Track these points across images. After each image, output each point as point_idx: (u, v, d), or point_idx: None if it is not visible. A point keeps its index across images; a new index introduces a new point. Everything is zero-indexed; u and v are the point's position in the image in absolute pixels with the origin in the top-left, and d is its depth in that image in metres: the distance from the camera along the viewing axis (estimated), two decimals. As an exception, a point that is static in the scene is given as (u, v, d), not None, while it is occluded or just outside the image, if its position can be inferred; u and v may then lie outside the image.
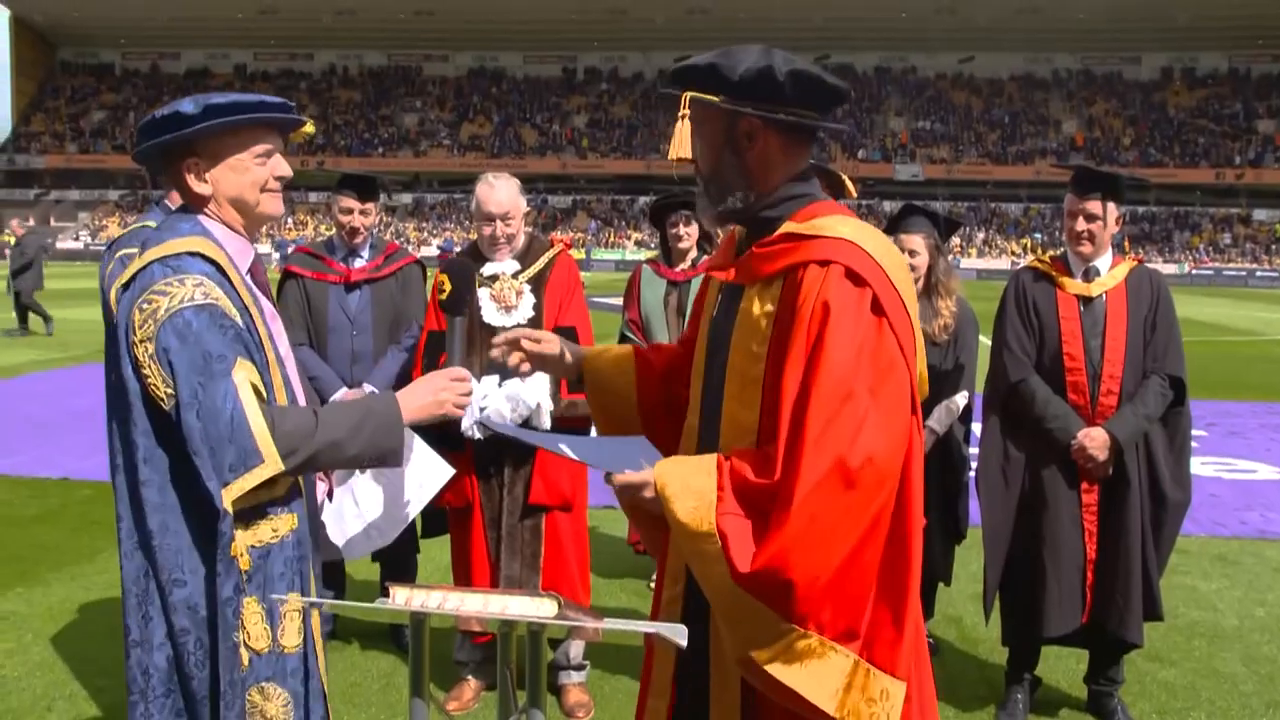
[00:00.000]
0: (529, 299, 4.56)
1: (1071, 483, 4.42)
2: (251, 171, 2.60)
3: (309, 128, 2.82)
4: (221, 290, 2.46)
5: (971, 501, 5.25)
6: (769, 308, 2.21)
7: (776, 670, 1.98)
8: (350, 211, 5.18)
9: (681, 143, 2.28)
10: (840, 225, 2.21)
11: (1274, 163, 74.28)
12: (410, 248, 67.20)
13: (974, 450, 5.44)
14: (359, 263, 5.22)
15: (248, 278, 2.61)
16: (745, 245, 2.34)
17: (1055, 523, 4.41)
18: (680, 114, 2.27)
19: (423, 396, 2.65)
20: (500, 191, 4.51)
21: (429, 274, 4.71)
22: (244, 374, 2.38)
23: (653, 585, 6.26)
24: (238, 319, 2.45)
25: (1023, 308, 4.55)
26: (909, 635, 2.12)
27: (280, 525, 2.48)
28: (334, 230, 5.33)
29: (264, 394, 2.45)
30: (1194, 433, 4.99)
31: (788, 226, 2.25)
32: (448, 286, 2.60)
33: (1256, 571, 6.82)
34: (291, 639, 2.50)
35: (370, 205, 5.21)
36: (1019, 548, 4.47)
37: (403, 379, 4.99)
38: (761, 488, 2.03)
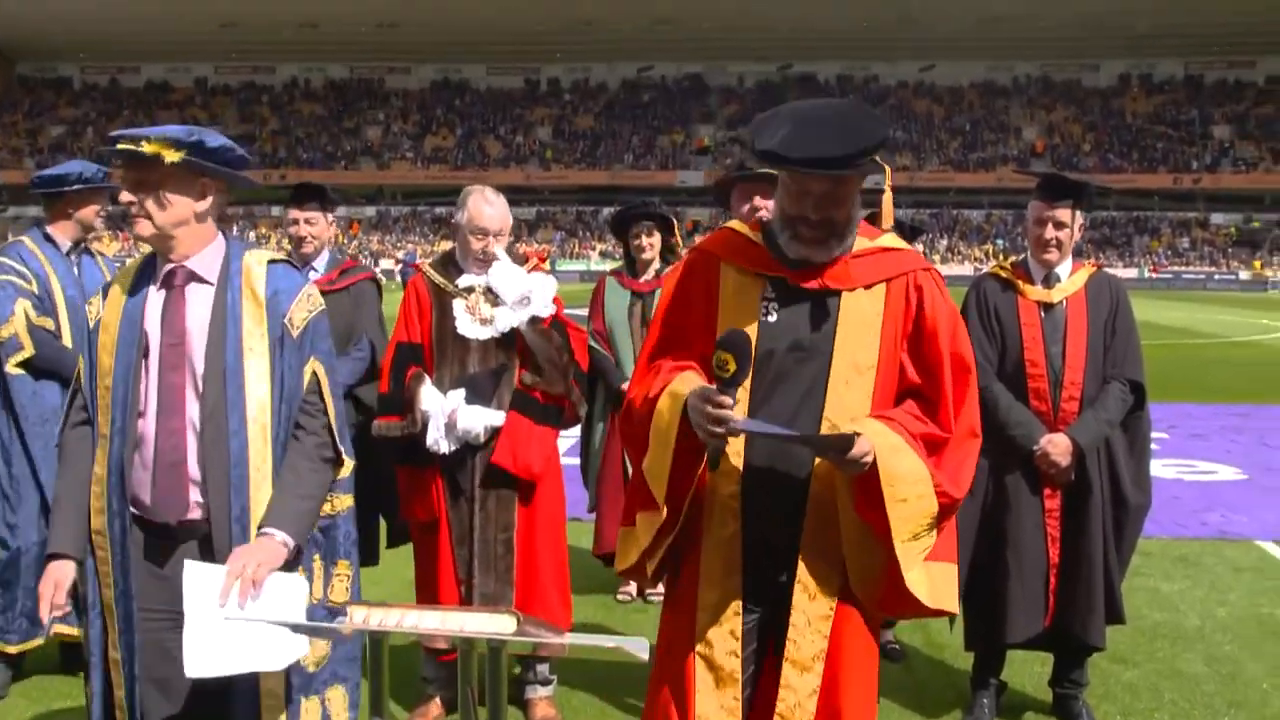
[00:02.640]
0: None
1: (1034, 489, 4.44)
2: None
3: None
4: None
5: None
6: (878, 307, 2.75)
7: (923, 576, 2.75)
8: (295, 222, 5.13)
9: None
10: (894, 239, 2.87)
11: (1230, 167, 75.31)
12: (371, 261, 67.19)
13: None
14: (312, 275, 5.14)
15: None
16: (801, 260, 2.74)
17: (1018, 528, 4.43)
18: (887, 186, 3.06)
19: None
20: (497, 208, 4.50)
21: (407, 286, 4.67)
22: None
23: (620, 597, 6.26)
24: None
25: (984, 315, 4.56)
26: None
27: None
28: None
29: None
30: (1156, 435, 5.05)
31: (866, 243, 2.80)
32: (731, 366, 2.54)
33: (1218, 572, 6.88)
34: None
35: (317, 215, 5.15)
36: (983, 554, 4.48)
37: (351, 389, 4.94)
38: (937, 438, 2.74)
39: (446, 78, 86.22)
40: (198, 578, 2.73)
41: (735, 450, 2.74)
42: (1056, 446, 4.36)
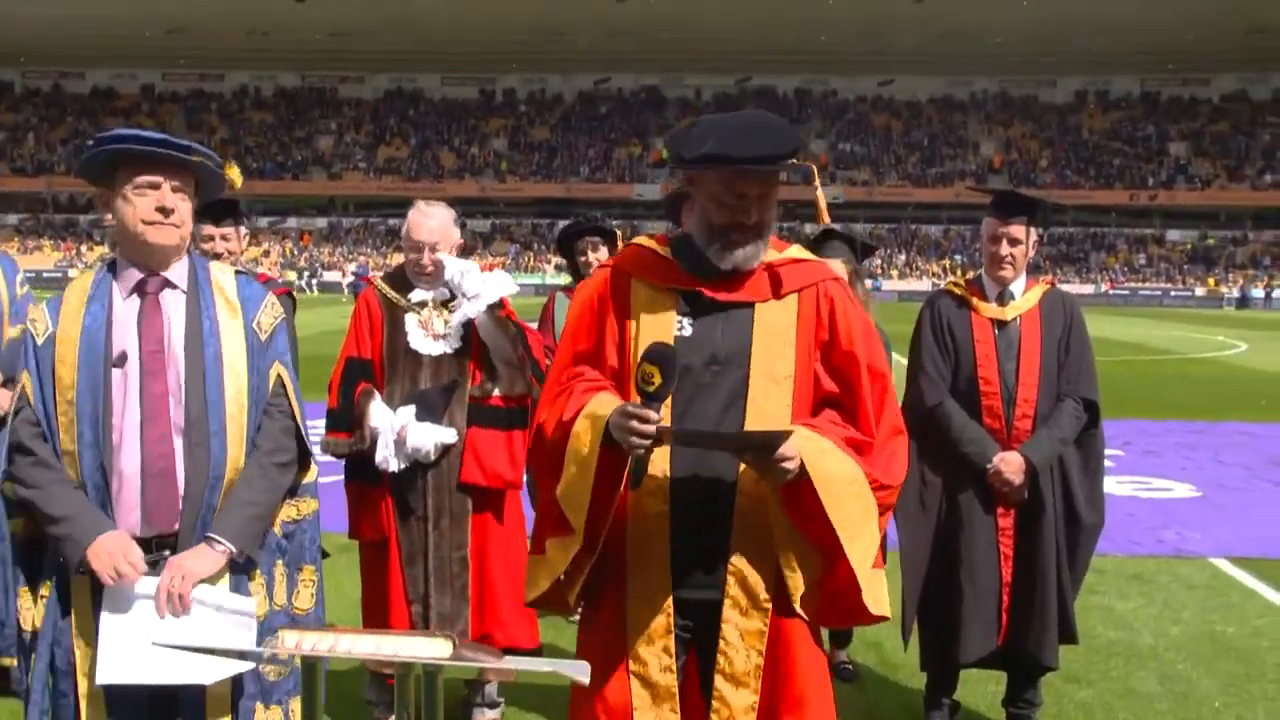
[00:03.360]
0: (458, 327, 4.51)
1: (988, 507, 4.48)
2: (133, 203, 2.91)
3: (234, 174, 3.15)
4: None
5: (890, 525, 5.31)
6: (791, 317, 2.83)
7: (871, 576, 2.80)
8: (211, 239, 5.02)
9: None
10: (801, 250, 2.97)
11: (1185, 184, 76.52)
12: (326, 274, 66.75)
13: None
14: None
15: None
16: (714, 273, 2.81)
17: (971, 547, 4.46)
18: (816, 182, 3.16)
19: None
20: (432, 219, 4.50)
21: (358, 300, 4.65)
22: None
23: (573, 618, 6.22)
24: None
25: (938, 331, 4.60)
26: None
27: None
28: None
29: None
30: (1110, 452, 5.10)
31: (775, 254, 2.90)
32: (657, 379, 2.57)
33: (1172, 590, 6.96)
34: None
35: (230, 230, 5.06)
36: (936, 572, 4.51)
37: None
38: (861, 443, 2.80)
39: (400, 87, 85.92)
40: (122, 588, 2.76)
41: (660, 467, 2.75)
42: (1009, 465, 4.40)
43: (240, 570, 2.99)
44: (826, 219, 3.21)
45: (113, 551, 2.80)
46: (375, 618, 4.54)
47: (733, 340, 2.81)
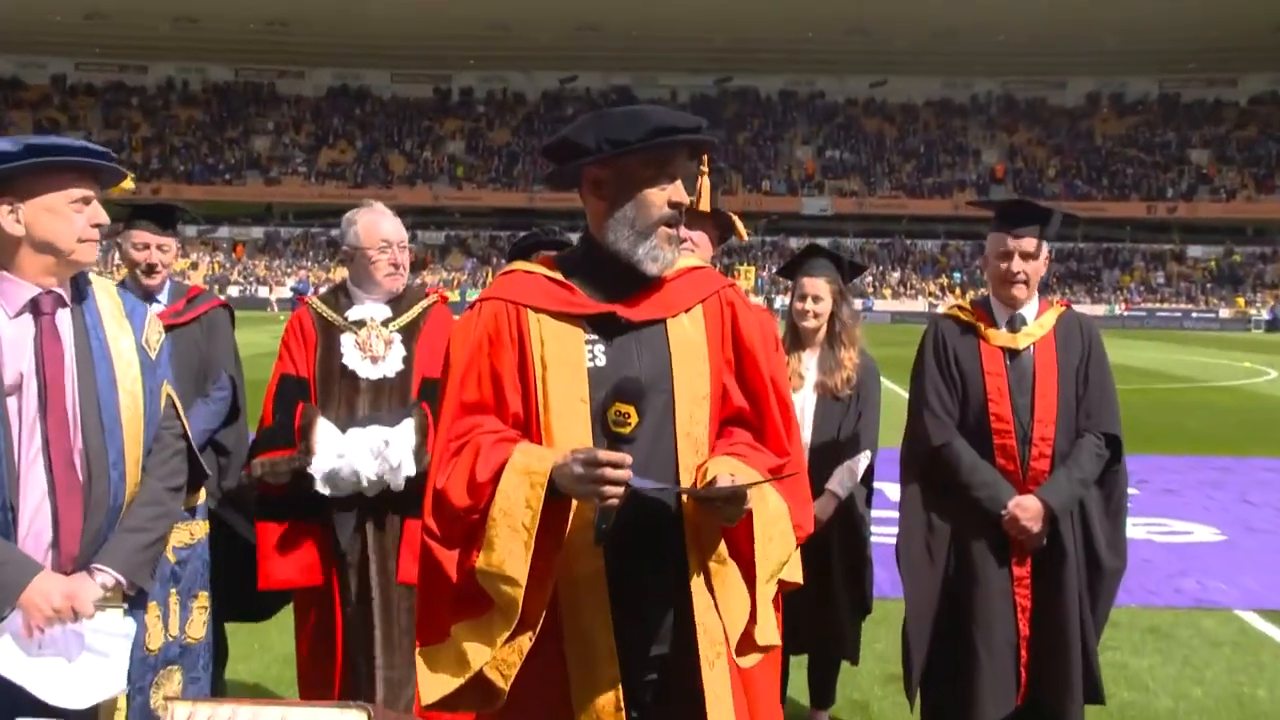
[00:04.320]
0: (398, 349, 4.51)
1: (1001, 556, 4.44)
2: (68, 218, 2.95)
3: (128, 183, 3.27)
4: None
5: (877, 570, 5.30)
6: (700, 330, 2.85)
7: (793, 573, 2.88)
8: (146, 247, 4.94)
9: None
10: (691, 257, 3.07)
11: (1209, 195, 77.07)
12: (260, 289, 66.36)
13: (875, 513, 5.51)
14: (156, 308, 4.96)
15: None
16: (621, 291, 2.81)
17: (985, 599, 4.42)
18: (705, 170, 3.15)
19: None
20: (395, 220, 4.59)
21: (289, 319, 4.64)
22: None
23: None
24: None
25: (943, 362, 4.57)
26: None
27: None
28: (125, 272, 5.16)
29: None
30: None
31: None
32: (634, 419, 2.57)
33: (1193, 646, 6.89)
34: None
35: (169, 240, 5.02)
36: (946, 628, 4.48)
37: (214, 433, 4.91)
38: (780, 470, 2.85)
39: (345, 84, 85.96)
40: None
41: (588, 519, 2.62)
42: (1026, 510, 4.36)
43: (135, 603, 3.05)
44: (706, 205, 3.25)
45: (48, 592, 2.85)
46: (313, 680, 4.48)
47: (652, 363, 2.79)
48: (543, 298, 2.81)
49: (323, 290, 4.80)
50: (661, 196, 2.79)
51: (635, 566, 2.71)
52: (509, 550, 2.57)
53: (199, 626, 3.31)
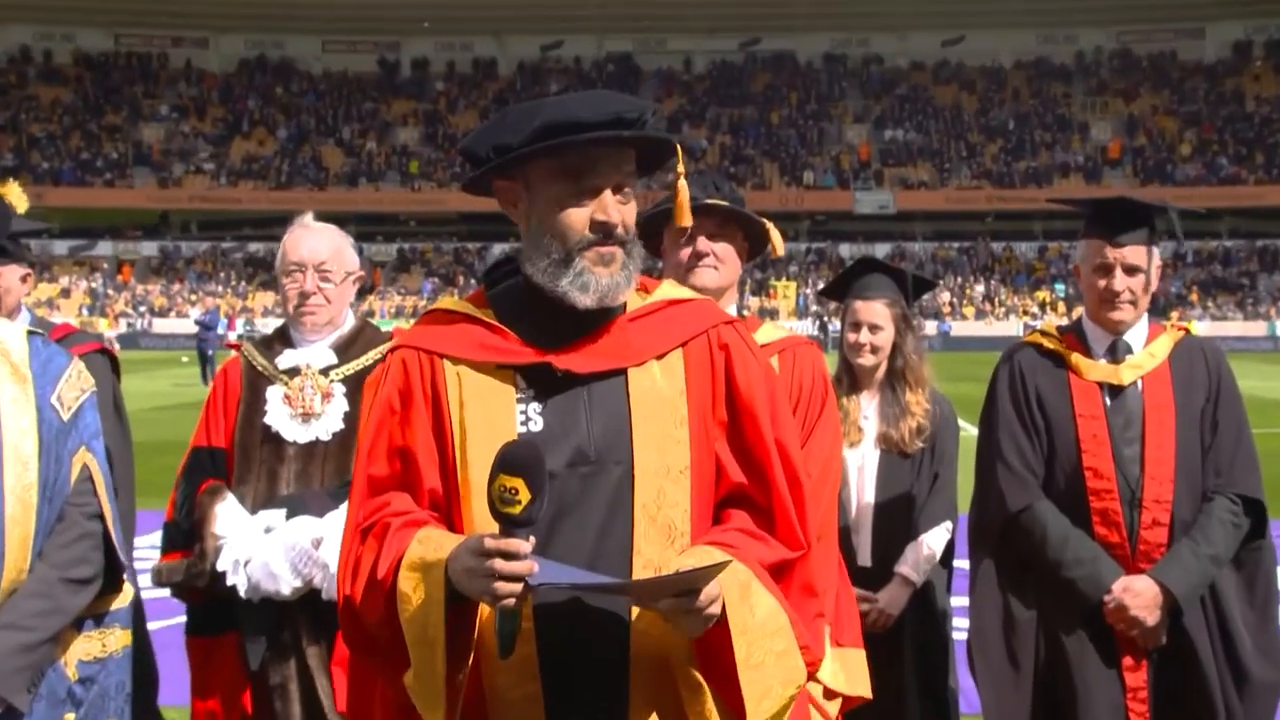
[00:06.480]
0: (339, 404, 4.51)
1: (1108, 656, 4.41)
2: None
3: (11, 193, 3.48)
4: None
5: (961, 670, 5.26)
6: (679, 383, 2.83)
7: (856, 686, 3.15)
8: None
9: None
10: (674, 286, 3.05)
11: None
12: (158, 321, 66.42)
13: (956, 600, 5.47)
14: None
15: None
16: (563, 334, 2.80)
17: (1088, 715, 4.37)
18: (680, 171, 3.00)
19: None
20: (318, 235, 4.61)
21: (217, 372, 4.70)
22: None
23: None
24: None
25: (1021, 403, 4.57)
26: None
27: None
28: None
29: None
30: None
31: (641, 298, 2.92)
32: (524, 496, 2.50)
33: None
34: None
35: (6, 269, 4.92)
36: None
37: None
38: (788, 563, 2.84)
39: (263, 54, 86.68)
40: None
41: (521, 633, 2.65)
42: (1138, 596, 4.33)
43: None
44: (687, 219, 3.12)
45: None
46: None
47: (604, 427, 2.78)
48: (463, 345, 2.83)
49: (247, 332, 4.79)
50: (581, 216, 2.77)
51: (580, 691, 2.72)
52: (423, 662, 2.62)
53: None
